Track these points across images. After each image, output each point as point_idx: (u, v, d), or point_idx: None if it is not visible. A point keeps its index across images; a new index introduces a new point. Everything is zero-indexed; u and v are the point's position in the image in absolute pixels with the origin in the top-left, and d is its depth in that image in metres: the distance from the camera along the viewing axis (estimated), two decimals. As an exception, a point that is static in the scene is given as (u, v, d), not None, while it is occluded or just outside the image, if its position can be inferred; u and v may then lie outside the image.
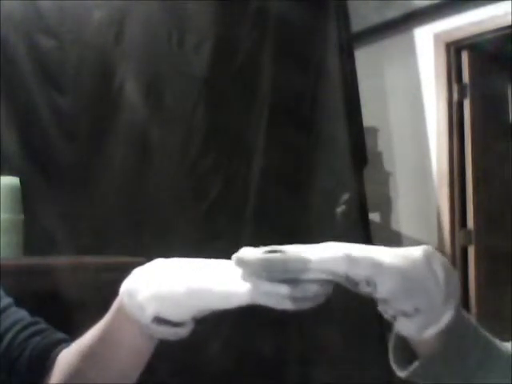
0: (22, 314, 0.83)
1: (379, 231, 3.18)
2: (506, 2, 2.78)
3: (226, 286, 0.60)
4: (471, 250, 3.07)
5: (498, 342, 0.64)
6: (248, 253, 0.59)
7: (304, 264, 0.56)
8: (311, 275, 0.56)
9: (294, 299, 0.57)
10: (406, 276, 0.57)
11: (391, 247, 0.61)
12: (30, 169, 2.12)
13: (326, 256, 0.56)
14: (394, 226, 3.39)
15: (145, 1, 2.39)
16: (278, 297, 0.57)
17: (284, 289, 0.57)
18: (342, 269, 0.56)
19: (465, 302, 3.02)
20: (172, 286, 0.62)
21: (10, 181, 1.90)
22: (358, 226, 2.75)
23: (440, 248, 3.11)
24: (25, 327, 0.80)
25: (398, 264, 0.57)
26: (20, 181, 1.93)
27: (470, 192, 3.09)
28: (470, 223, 3.09)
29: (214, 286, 0.61)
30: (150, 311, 0.63)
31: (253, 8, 2.59)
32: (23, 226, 1.91)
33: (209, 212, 2.41)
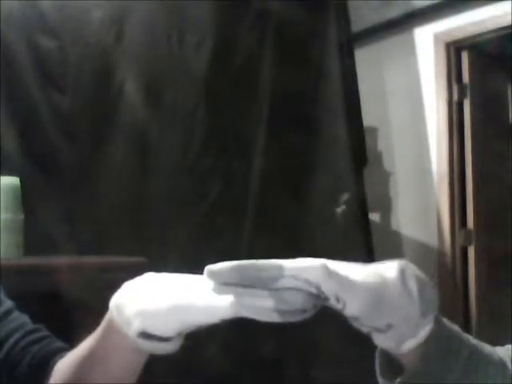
0: (24, 319, 0.84)
1: (379, 231, 3.18)
2: (506, 2, 2.78)
3: (208, 300, 0.61)
4: (471, 250, 3.07)
5: (487, 347, 0.63)
6: (220, 264, 0.60)
7: (278, 270, 0.57)
8: (285, 283, 0.57)
9: (279, 312, 0.57)
10: (376, 294, 0.57)
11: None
12: (29, 169, 2.12)
13: (301, 264, 0.57)
14: (394, 226, 3.39)
15: (145, 1, 2.39)
16: (262, 309, 0.58)
17: (268, 302, 0.57)
18: (316, 277, 0.56)
19: (465, 302, 3.02)
20: (156, 301, 0.64)
21: (10, 181, 1.90)
22: (358, 226, 2.75)
23: (440, 248, 3.11)
24: (26, 334, 0.80)
25: (368, 282, 0.58)
26: (20, 181, 1.93)
27: (470, 192, 3.09)
28: (470, 223, 3.09)
29: (197, 300, 0.62)
30: (136, 326, 0.64)
31: (253, 8, 2.59)
32: (23, 225, 1.91)
33: (209, 212, 2.41)
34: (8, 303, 0.84)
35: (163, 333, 0.64)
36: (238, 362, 2.25)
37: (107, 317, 0.68)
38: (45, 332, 0.82)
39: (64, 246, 2.03)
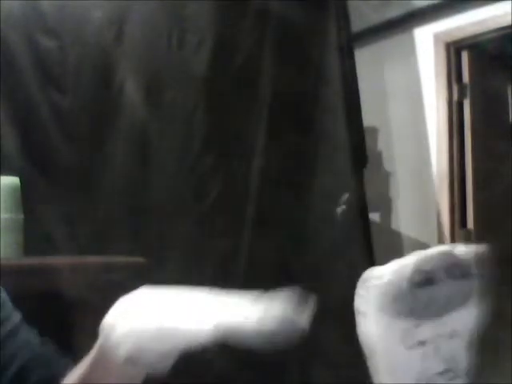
0: (30, 336, 0.83)
1: (379, 231, 3.18)
2: (506, 2, 2.78)
3: (193, 324, 0.61)
4: (471, 250, 3.07)
5: None
6: None
7: None
8: None
9: (265, 331, 0.58)
10: None
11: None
12: (29, 169, 2.12)
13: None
14: (394, 226, 3.39)
15: (145, 1, 2.39)
16: (246, 331, 0.58)
17: (251, 323, 0.58)
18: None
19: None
20: (141, 328, 0.64)
21: (10, 181, 1.90)
22: (358, 226, 2.75)
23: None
24: (34, 357, 0.80)
25: None
26: (20, 181, 1.93)
27: (470, 192, 3.09)
28: (470, 223, 3.08)
29: (180, 325, 0.62)
30: (122, 353, 0.64)
31: (253, 8, 2.59)
32: (23, 225, 1.91)
33: (209, 212, 2.41)
34: (14, 319, 0.83)
35: (150, 358, 0.64)
36: (238, 363, 2.25)
37: (98, 342, 0.68)
38: (51, 350, 0.82)
39: (64, 245, 2.03)
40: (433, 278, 0.54)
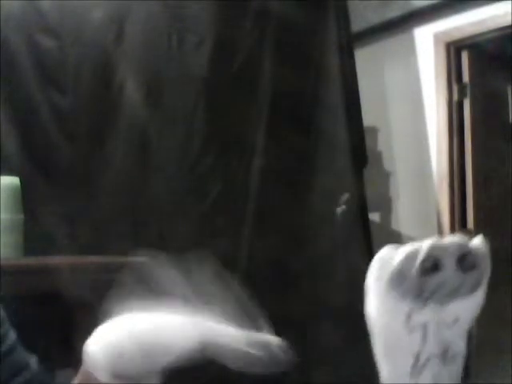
0: (26, 355, 0.83)
1: (379, 231, 3.18)
2: (506, 2, 2.78)
3: (175, 339, 0.63)
4: (471, 250, 3.06)
5: None
6: None
7: None
8: None
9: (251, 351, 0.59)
10: None
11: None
12: (29, 169, 2.12)
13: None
14: (394, 226, 3.39)
15: (145, 1, 2.39)
16: (231, 348, 0.59)
17: (236, 343, 0.60)
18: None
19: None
20: (124, 344, 0.64)
21: (10, 181, 1.90)
22: (358, 226, 2.75)
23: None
24: (32, 378, 0.80)
25: None
26: (20, 181, 1.93)
27: (470, 192, 3.09)
28: (470, 223, 3.09)
29: (164, 340, 0.63)
30: (107, 370, 0.64)
31: (253, 8, 2.59)
32: (23, 226, 1.91)
33: (209, 212, 2.41)
34: (10, 340, 0.83)
35: (133, 375, 0.64)
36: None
37: (82, 366, 0.69)
38: (46, 372, 0.82)
39: (64, 245, 2.03)
40: (443, 265, 0.55)
